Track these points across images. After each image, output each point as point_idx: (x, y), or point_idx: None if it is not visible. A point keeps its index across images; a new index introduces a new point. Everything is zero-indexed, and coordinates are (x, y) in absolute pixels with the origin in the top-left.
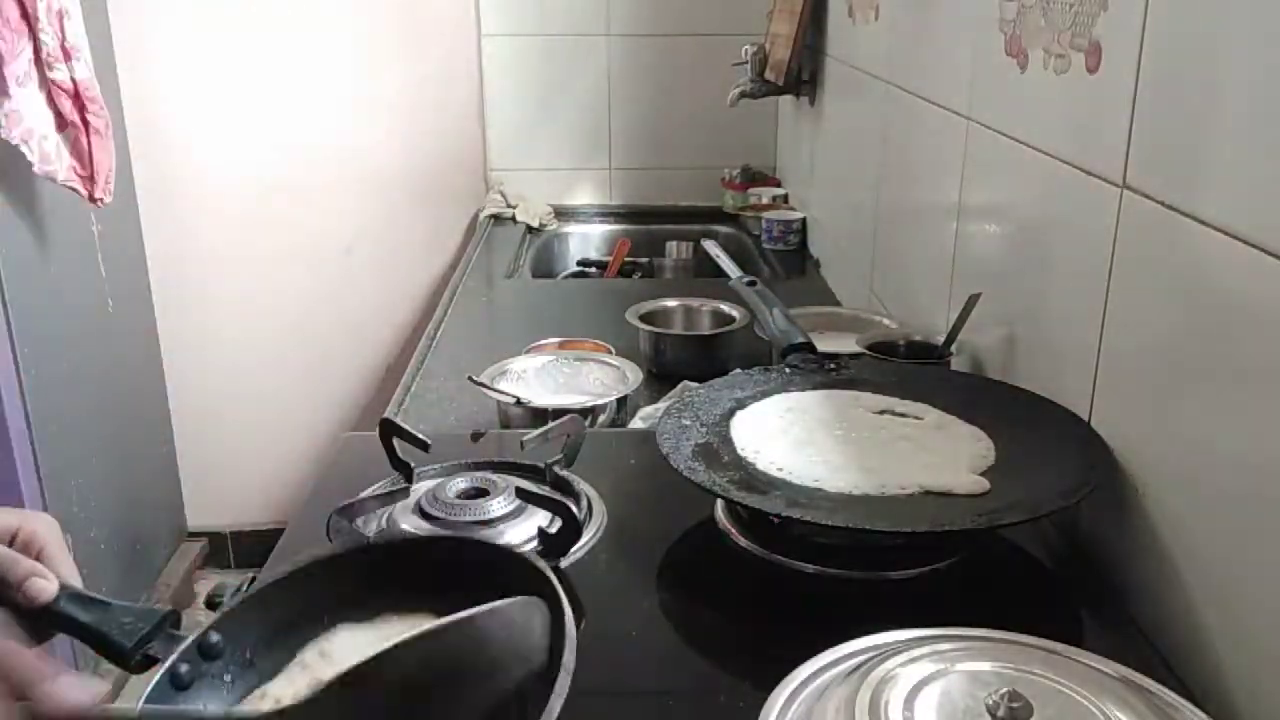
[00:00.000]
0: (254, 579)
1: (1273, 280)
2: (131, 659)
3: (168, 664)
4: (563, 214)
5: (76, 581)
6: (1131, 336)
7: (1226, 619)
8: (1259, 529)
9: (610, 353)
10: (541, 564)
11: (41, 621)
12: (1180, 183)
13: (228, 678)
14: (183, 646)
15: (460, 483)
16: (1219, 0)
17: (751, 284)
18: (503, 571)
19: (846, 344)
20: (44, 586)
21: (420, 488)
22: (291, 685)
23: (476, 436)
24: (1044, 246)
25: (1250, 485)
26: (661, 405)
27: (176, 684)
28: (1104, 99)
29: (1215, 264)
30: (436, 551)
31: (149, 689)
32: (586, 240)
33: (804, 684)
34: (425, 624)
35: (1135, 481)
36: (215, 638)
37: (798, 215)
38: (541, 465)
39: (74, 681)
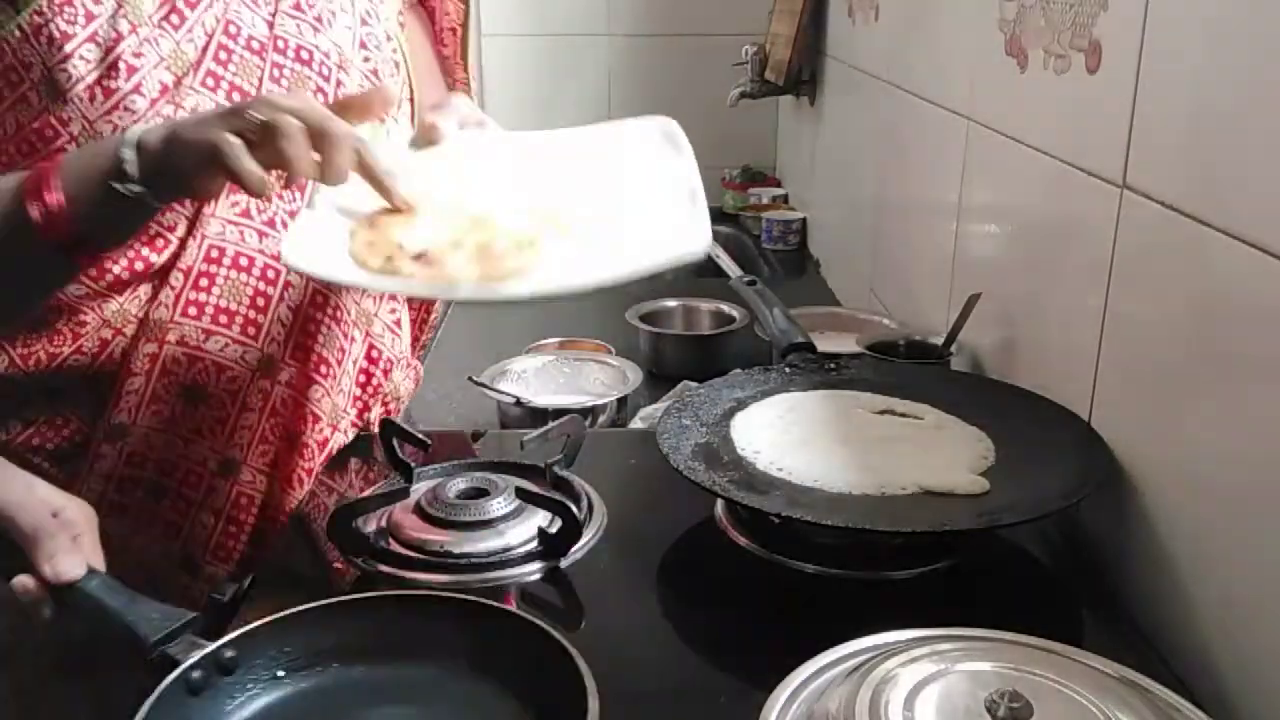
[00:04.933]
0: (253, 579)
1: (1273, 280)
2: (151, 653)
3: (182, 667)
4: None
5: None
6: (1131, 336)
7: (1226, 619)
8: (1259, 529)
9: (610, 353)
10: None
11: (68, 600)
12: (1180, 182)
13: (253, 689)
14: (202, 653)
15: (460, 483)
16: (1219, 0)
17: (751, 284)
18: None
19: (846, 344)
20: (71, 566)
21: (420, 488)
22: None
23: (477, 436)
24: (1044, 246)
25: (1250, 485)
26: (661, 405)
27: (190, 688)
28: (1104, 99)
29: (1215, 263)
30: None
31: (160, 688)
32: None
33: (804, 684)
34: None
35: (1135, 481)
36: (230, 653)
37: (798, 215)
38: (541, 465)
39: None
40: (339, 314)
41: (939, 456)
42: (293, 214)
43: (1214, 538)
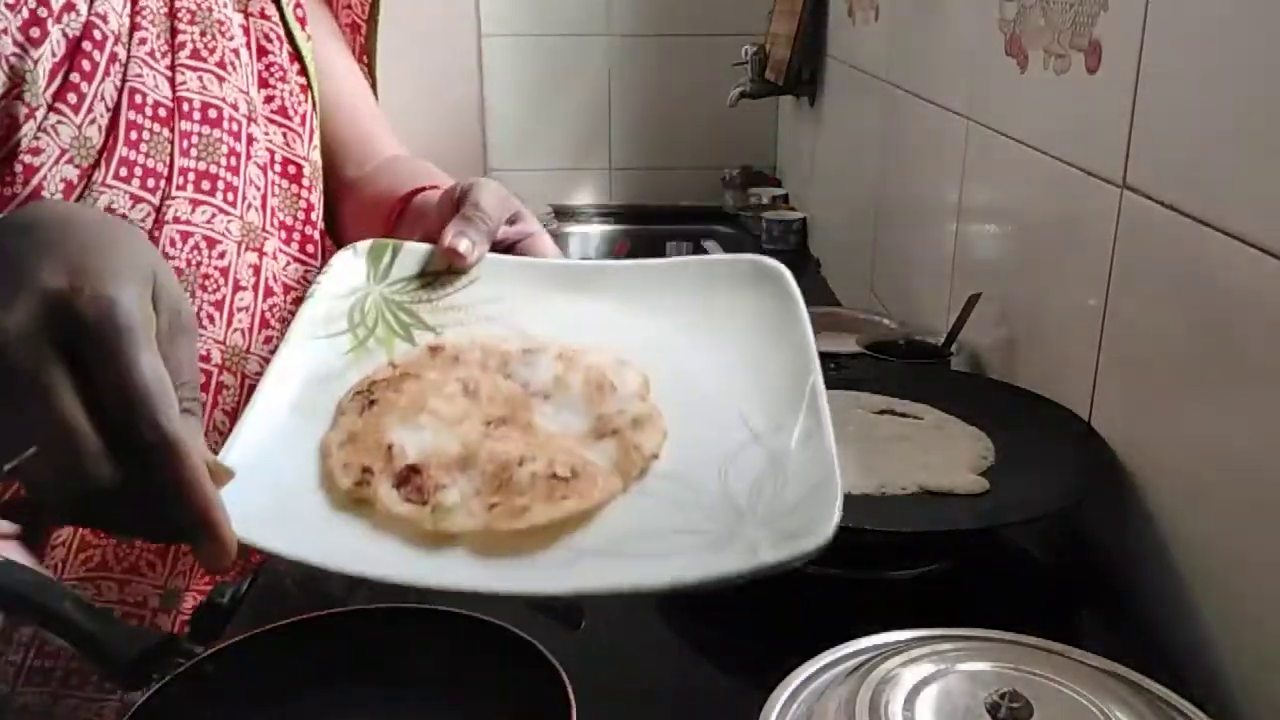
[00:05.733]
0: (253, 580)
1: (1273, 281)
2: (126, 671)
3: (158, 684)
4: (562, 214)
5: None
6: (1132, 336)
7: (1227, 619)
8: (1260, 529)
9: None
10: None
11: (39, 620)
12: (1180, 182)
13: (232, 706)
14: (178, 670)
15: None
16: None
17: None
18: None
19: (846, 344)
20: None
21: None
22: None
23: None
24: (1044, 246)
25: (1251, 484)
26: None
27: (167, 706)
28: (1104, 99)
29: (1215, 264)
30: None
31: (136, 706)
32: (586, 240)
33: (804, 684)
34: None
35: (1135, 481)
36: (208, 669)
37: (797, 215)
38: None
39: None
40: None
41: (939, 456)
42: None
43: (1214, 537)
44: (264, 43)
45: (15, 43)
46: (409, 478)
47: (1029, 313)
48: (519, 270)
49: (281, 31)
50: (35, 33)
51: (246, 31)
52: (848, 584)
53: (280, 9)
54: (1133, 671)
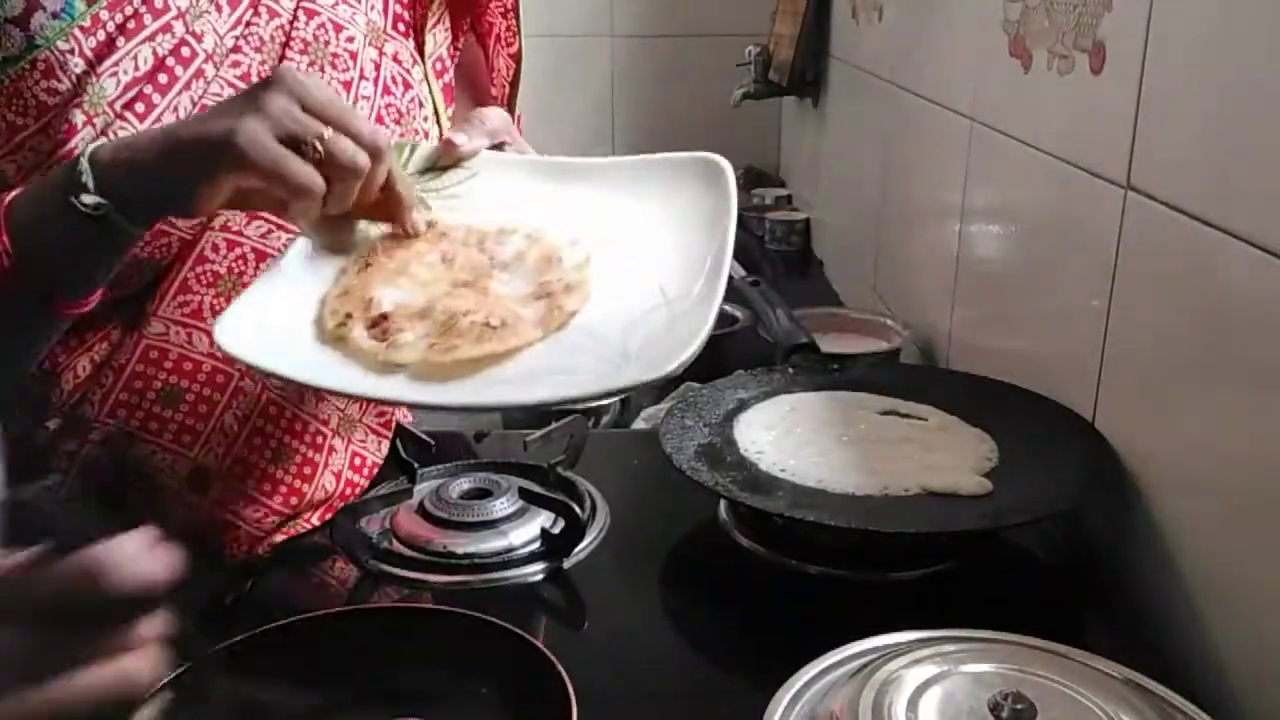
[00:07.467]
0: (253, 583)
1: (1277, 281)
2: None
3: (155, 688)
4: None
5: None
6: (1135, 337)
7: (1230, 620)
8: (1263, 530)
9: None
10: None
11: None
12: (1184, 183)
13: (229, 709)
14: (172, 675)
15: (463, 483)
16: (1223, 0)
17: (755, 284)
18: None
19: (850, 345)
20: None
21: (423, 488)
22: None
23: (480, 437)
24: (1047, 247)
25: (1254, 486)
26: (664, 406)
27: (163, 711)
28: (1108, 100)
29: (1219, 265)
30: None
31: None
32: None
33: (807, 685)
34: None
35: (1139, 482)
36: (209, 668)
37: (801, 216)
38: (544, 466)
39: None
40: (299, 426)
41: (942, 457)
42: None
43: (1218, 539)
44: (390, 84)
45: (85, 60)
46: (379, 322)
47: (1032, 313)
48: (510, 166)
49: (412, 78)
50: (105, 50)
51: (377, 67)
52: (851, 585)
53: (423, 59)
54: (1136, 672)
